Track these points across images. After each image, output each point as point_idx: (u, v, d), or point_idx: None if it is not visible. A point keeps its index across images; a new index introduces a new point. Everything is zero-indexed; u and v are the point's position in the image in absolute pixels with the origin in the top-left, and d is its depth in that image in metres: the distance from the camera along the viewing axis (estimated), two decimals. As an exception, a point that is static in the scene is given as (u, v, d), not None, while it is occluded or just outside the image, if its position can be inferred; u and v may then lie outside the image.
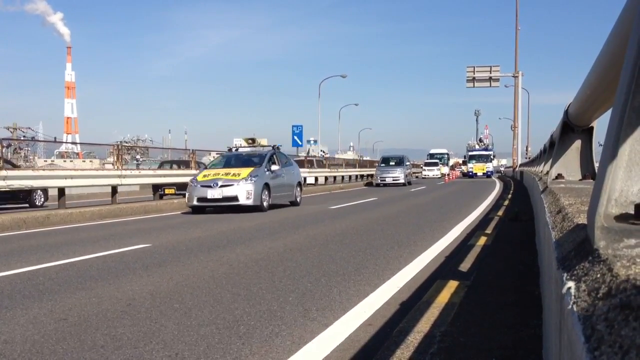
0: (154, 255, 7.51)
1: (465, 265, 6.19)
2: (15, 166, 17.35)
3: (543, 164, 11.76)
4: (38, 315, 4.51)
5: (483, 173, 56.53)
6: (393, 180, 34.93)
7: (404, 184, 34.72)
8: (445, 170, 62.30)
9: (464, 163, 65.24)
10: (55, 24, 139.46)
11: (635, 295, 0.88)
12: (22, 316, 4.48)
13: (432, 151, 73.69)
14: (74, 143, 79.36)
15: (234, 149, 19.76)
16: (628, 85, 1.29)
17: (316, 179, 33.40)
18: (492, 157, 60.26)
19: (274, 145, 18.68)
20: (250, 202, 14.99)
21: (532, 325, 3.62)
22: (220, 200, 15.05)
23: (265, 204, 15.52)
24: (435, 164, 61.50)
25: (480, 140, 79.31)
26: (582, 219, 2.02)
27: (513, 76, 45.14)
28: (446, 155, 73.57)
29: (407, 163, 37.74)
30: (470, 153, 62.43)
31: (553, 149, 7.36)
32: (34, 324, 4.25)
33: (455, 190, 27.87)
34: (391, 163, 37.47)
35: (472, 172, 57.55)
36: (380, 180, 35.29)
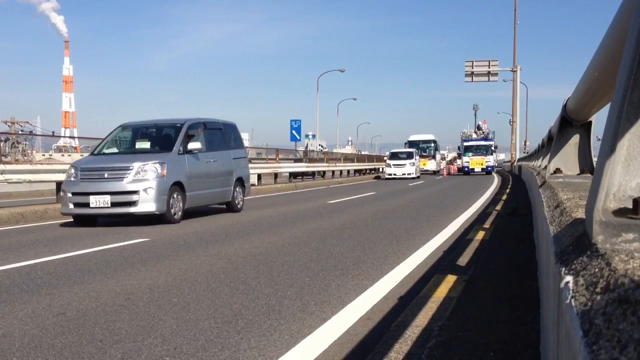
0: (153, 250, 7.51)
1: (463, 260, 6.20)
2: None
3: (541, 158, 11.77)
4: (36, 309, 4.51)
5: (482, 168, 45.25)
6: (112, 202, 10.48)
7: (159, 213, 10.67)
8: (432, 164, 48.85)
9: (459, 156, 52.36)
10: (47, 12, 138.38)
11: (634, 289, 0.88)
12: (20, 310, 4.48)
13: (413, 138, 51.63)
14: (72, 137, 79.41)
15: None
16: (627, 80, 1.29)
17: (314, 173, 32.99)
18: (492, 148, 47.79)
19: None
20: None
21: (530, 319, 3.63)
22: None
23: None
24: (409, 156, 38.90)
25: (479, 128, 59.36)
26: (580, 214, 2.02)
27: (512, 70, 45.16)
28: (433, 145, 51.48)
29: (194, 146, 11.91)
30: (465, 143, 49.10)
31: (551, 144, 7.37)
32: (32, 318, 4.26)
33: (453, 184, 27.89)
34: (141, 145, 12.17)
35: (467, 167, 46.05)
36: (75, 206, 10.81)
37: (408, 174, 36.93)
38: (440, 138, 58.70)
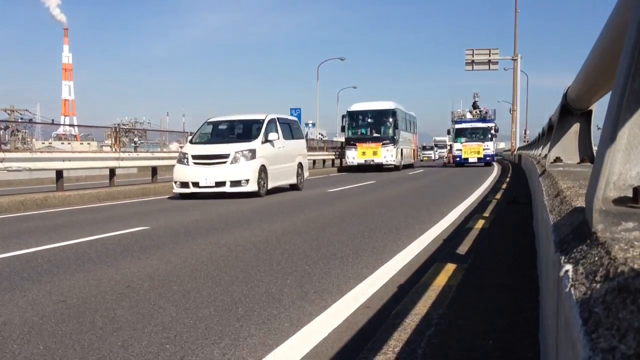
0: (152, 238, 7.52)
1: (462, 248, 6.21)
2: None
3: (541, 147, 11.78)
4: (37, 297, 4.52)
5: (478, 158, 35.73)
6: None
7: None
8: (389, 153, 30.41)
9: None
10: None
11: (633, 278, 0.88)
12: (20, 298, 4.49)
13: (356, 107, 32.57)
14: (71, 125, 79.37)
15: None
16: (628, 68, 1.28)
17: (314, 162, 30.55)
18: (492, 132, 37.00)
19: None
20: None
21: (529, 308, 3.63)
22: None
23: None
24: (244, 135, 15.30)
25: (474, 106, 43.28)
26: (580, 202, 2.02)
27: (512, 59, 45.00)
28: (391, 120, 31.48)
29: None
30: (457, 126, 38.19)
31: (552, 133, 7.37)
32: (33, 305, 4.27)
33: (453, 173, 27.87)
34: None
35: (460, 156, 36.16)
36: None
37: (232, 184, 14.10)
38: (440, 127, 44.02)
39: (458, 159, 36.51)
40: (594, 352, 0.75)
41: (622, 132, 1.29)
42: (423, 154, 64.51)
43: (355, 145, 30.86)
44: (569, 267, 1.15)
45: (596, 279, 0.97)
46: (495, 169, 31.00)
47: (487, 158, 36.15)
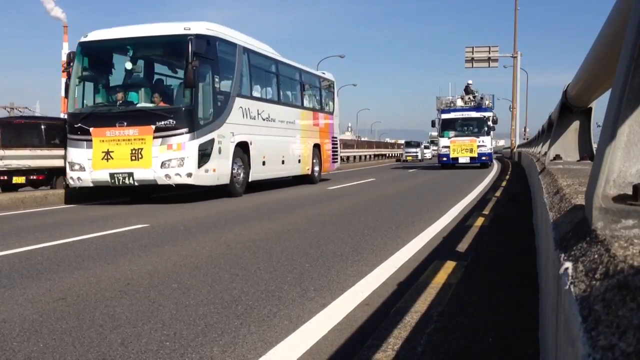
0: (152, 236, 7.52)
1: (462, 246, 6.21)
2: None
3: (541, 145, 11.78)
4: (36, 294, 4.52)
5: (471, 158, 28.19)
6: None
7: None
8: (177, 157, 11.08)
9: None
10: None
11: (633, 275, 0.88)
12: (20, 295, 4.49)
13: (97, 36, 12.43)
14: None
15: None
16: (627, 66, 1.28)
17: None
18: (490, 123, 29.21)
19: None
20: None
21: (529, 305, 3.64)
22: None
23: None
24: None
25: (467, 91, 32.86)
26: (580, 200, 2.02)
27: (512, 57, 44.96)
28: (190, 69, 10.87)
29: None
30: (443, 116, 29.76)
31: (551, 130, 7.37)
32: (33, 303, 4.27)
33: (452, 172, 27.84)
34: None
35: (447, 155, 28.54)
36: None
37: None
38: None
39: (445, 158, 28.63)
40: (594, 349, 0.75)
41: (622, 130, 1.29)
42: (407, 153, 55.87)
43: (88, 134, 12.05)
44: (568, 264, 1.15)
45: (596, 277, 0.97)
46: (495, 167, 30.23)
47: (483, 157, 28.47)
